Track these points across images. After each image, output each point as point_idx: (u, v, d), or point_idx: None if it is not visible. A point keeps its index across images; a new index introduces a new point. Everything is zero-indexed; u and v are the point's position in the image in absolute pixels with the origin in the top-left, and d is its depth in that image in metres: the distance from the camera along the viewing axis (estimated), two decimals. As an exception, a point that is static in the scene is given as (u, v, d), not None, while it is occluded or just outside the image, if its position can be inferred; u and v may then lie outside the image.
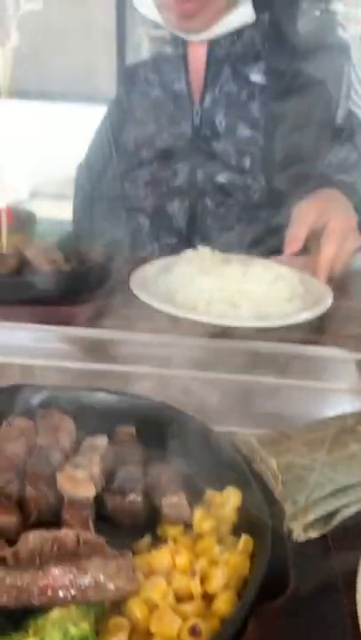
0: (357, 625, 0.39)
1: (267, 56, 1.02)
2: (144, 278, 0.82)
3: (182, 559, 0.42)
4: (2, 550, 0.41)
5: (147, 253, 1.01)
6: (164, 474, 0.48)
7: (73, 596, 0.38)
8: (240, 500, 0.46)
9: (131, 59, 1.83)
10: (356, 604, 0.39)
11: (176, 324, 0.73)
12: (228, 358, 0.69)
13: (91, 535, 0.42)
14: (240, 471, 0.47)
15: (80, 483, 0.45)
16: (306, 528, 0.44)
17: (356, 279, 0.92)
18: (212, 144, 1.02)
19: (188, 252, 0.88)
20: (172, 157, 1.04)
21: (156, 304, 0.75)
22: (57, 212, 1.25)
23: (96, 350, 0.73)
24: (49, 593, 0.38)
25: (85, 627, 0.37)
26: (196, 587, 0.40)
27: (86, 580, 0.38)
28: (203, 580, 0.41)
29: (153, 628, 0.38)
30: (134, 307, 0.77)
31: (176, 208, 1.05)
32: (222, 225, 1.02)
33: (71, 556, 0.40)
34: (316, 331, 0.76)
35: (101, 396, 0.56)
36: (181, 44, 1.04)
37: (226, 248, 0.90)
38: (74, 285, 0.82)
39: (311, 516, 0.45)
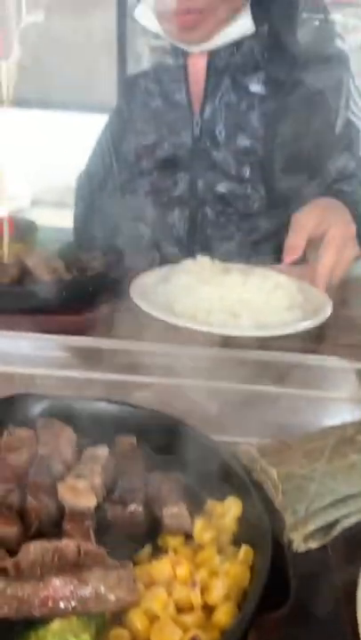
0: (358, 635, 0.39)
1: (266, 66, 1.03)
2: (144, 287, 0.82)
3: (183, 570, 0.42)
4: (3, 561, 0.41)
5: (147, 262, 1.02)
6: (164, 484, 0.48)
7: (74, 607, 0.38)
8: (241, 511, 0.46)
9: (131, 69, 1.84)
10: (356, 615, 0.40)
11: (176, 334, 0.73)
12: (228, 367, 0.70)
13: (92, 546, 0.42)
14: (240, 481, 0.47)
15: (81, 493, 0.46)
16: (306, 538, 0.44)
17: (355, 288, 0.93)
18: (212, 154, 1.03)
19: (188, 262, 0.88)
20: (173, 167, 1.04)
21: (156, 313, 0.75)
22: (57, 220, 1.26)
23: (97, 359, 0.73)
24: (50, 604, 0.38)
25: (86, 638, 0.37)
26: (196, 598, 0.40)
27: (87, 591, 0.38)
28: (203, 591, 0.41)
29: (153, 639, 0.38)
30: (135, 316, 0.78)
31: (176, 217, 1.05)
32: (222, 234, 1.03)
33: (72, 566, 0.40)
34: (316, 339, 0.77)
35: (102, 405, 0.56)
36: (182, 55, 1.05)
37: (226, 257, 0.90)
38: (75, 294, 0.82)
39: (311, 527, 0.45)
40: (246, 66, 1.03)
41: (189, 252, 0.92)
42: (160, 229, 1.06)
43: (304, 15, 1.11)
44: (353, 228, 0.88)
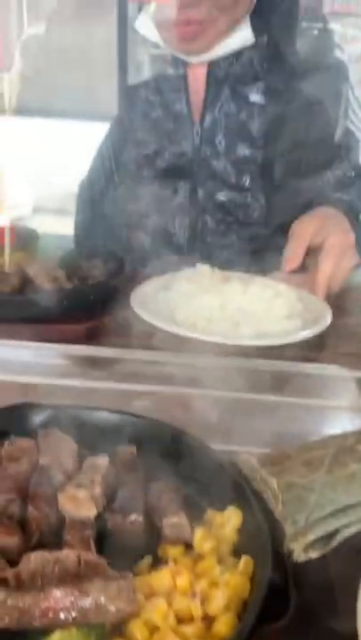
0: (358, 647, 0.39)
1: (266, 77, 1.04)
2: (144, 296, 0.82)
3: (183, 580, 0.42)
4: (4, 571, 0.41)
5: (147, 271, 1.02)
6: (164, 493, 0.49)
7: (74, 618, 0.38)
8: (241, 521, 0.46)
9: (132, 78, 1.86)
10: (356, 625, 0.40)
11: (176, 342, 0.74)
12: (228, 376, 0.70)
13: (92, 556, 0.42)
14: (240, 491, 0.47)
15: (82, 503, 0.46)
16: (306, 548, 0.45)
17: (355, 296, 0.93)
18: (212, 163, 1.03)
19: (188, 270, 0.89)
20: (173, 176, 1.05)
21: (156, 322, 0.75)
22: (58, 227, 1.26)
23: (97, 368, 0.74)
24: (50, 615, 0.38)
25: (86, 649, 0.37)
26: (196, 608, 0.40)
27: (87, 602, 0.39)
28: (203, 602, 0.41)
29: (154, 650, 0.38)
30: (135, 324, 0.78)
31: (177, 226, 1.06)
32: (222, 242, 1.03)
33: (72, 577, 0.41)
34: (316, 348, 0.77)
35: (103, 415, 0.56)
36: (182, 65, 1.06)
37: (226, 265, 0.91)
38: (75, 303, 0.82)
39: (311, 537, 0.45)
40: (246, 76, 1.04)
41: (190, 261, 0.93)
42: (160, 238, 1.06)
43: (303, 25, 1.12)
44: (352, 237, 0.88)
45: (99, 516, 0.46)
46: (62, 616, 0.38)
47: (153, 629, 0.39)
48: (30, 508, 0.46)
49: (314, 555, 0.45)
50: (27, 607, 0.38)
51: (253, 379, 0.69)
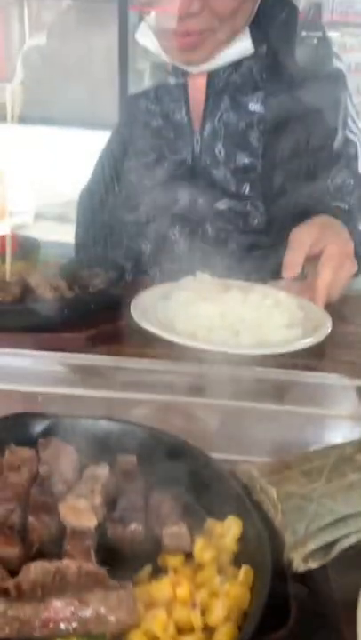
0: (357, 657, 0.39)
1: (265, 86, 1.04)
2: (145, 305, 0.83)
3: (183, 590, 0.42)
4: (4, 582, 0.41)
5: (148, 279, 1.03)
6: (164, 503, 0.49)
7: (74, 629, 0.39)
8: (241, 530, 0.46)
9: (133, 86, 1.87)
10: (356, 636, 0.40)
11: (177, 351, 0.74)
12: (228, 385, 0.70)
13: (92, 566, 0.42)
14: (240, 501, 0.48)
15: (82, 513, 0.46)
16: (306, 558, 0.45)
17: (354, 304, 0.93)
18: (212, 172, 1.04)
19: (188, 279, 0.89)
20: (173, 185, 1.06)
21: (156, 331, 0.76)
22: (60, 233, 1.27)
23: (98, 377, 0.74)
24: (51, 625, 0.38)
25: (87, 660, 0.37)
26: (196, 619, 0.40)
27: (88, 613, 0.39)
28: (203, 612, 0.41)
29: (154, 661, 0.38)
30: (135, 333, 0.78)
31: (177, 234, 1.06)
32: (222, 251, 1.04)
33: (73, 587, 0.41)
34: (316, 356, 0.77)
35: (103, 424, 0.57)
36: (182, 75, 1.07)
37: (226, 274, 0.91)
38: (76, 312, 0.83)
39: (311, 546, 0.45)
40: (245, 85, 1.04)
41: (190, 269, 0.93)
42: (161, 246, 1.07)
43: (302, 34, 1.13)
44: (351, 246, 0.89)
45: (99, 526, 0.46)
46: (63, 626, 0.38)
47: (153, 640, 0.39)
48: (31, 518, 0.46)
49: (314, 564, 0.45)
50: (27, 617, 0.38)
51: (253, 387, 0.70)
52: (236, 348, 0.74)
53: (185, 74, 1.06)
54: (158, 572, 0.45)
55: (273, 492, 0.48)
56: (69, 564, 0.41)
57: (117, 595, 0.39)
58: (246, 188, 1.03)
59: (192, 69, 1.04)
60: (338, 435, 0.65)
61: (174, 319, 0.79)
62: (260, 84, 1.04)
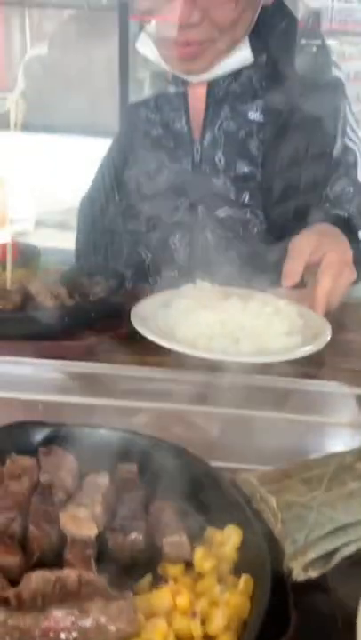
0: (357, 667, 0.39)
1: (264, 95, 1.05)
2: (145, 312, 0.83)
3: (183, 599, 0.42)
4: (4, 591, 0.41)
5: (148, 287, 1.03)
6: (164, 512, 0.49)
7: (74, 638, 0.39)
8: (241, 539, 0.46)
9: (133, 94, 1.89)
10: (356, 645, 0.40)
11: (177, 359, 0.74)
12: (228, 393, 0.70)
13: (92, 575, 0.42)
14: (240, 509, 0.48)
15: (83, 522, 0.46)
16: (306, 567, 0.45)
17: (353, 312, 0.94)
18: (212, 180, 1.04)
19: (188, 287, 0.89)
20: (173, 193, 1.06)
21: (156, 339, 0.76)
22: (61, 240, 1.28)
23: (98, 385, 0.74)
24: (51, 635, 0.38)
25: (87, 669, 0.37)
26: (196, 628, 0.40)
27: (88, 622, 0.39)
28: (203, 621, 0.41)
29: (154, 671, 0.38)
30: (136, 341, 0.79)
31: (177, 242, 1.07)
32: (222, 259, 1.04)
33: (73, 596, 0.41)
34: (315, 364, 0.77)
35: (103, 432, 0.57)
36: (182, 84, 1.08)
37: (226, 281, 0.91)
38: (77, 320, 0.83)
39: (311, 555, 0.45)
40: (245, 94, 1.05)
41: (190, 277, 0.94)
42: (161, 254, 1.07)
43: (302, 42, 1.14)
44: (350, 254, 0.89)
45: (99, 535, 0.46)
46: (63, 636, 0.38)
47: (153, 649, 0.39)
48: (31, 527, 0.46)
49: (314, 574, 0.45)
50: (27, 627, 0.39)
51: (253, 395, 0.70)
52: (236, 356, 0.74)
53: (185, 83, 1.07)
54: (158, 580, 0.45)
55: (273, 500, 0.48)
56: (70, 573, 0.41)
57: (118, 604, 0.40)
58: (246, 197, 1.03)
59: (192, 79, 1.05)
60: (338, 443, 0.65)
61: (174, 327, 0.80)
62: (260, 93, 1.05)
